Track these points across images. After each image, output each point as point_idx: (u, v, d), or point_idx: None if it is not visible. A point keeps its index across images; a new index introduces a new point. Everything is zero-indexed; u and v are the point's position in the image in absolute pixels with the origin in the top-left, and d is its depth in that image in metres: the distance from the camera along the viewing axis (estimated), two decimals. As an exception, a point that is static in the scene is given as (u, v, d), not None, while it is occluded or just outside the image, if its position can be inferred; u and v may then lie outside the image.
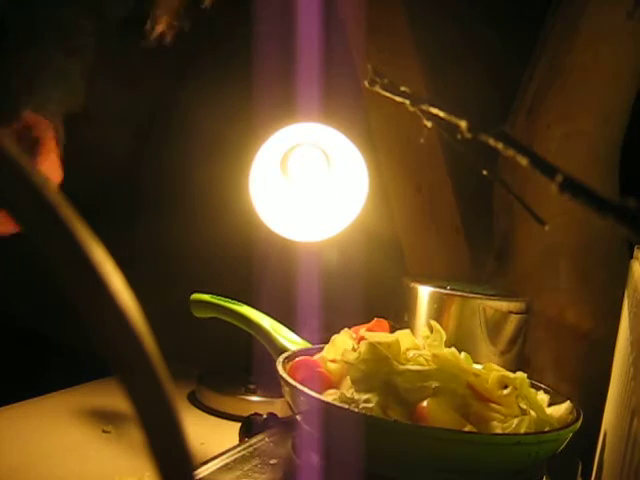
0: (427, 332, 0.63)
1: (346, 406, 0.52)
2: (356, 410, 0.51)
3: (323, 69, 0.82)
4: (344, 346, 0.61)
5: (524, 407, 0.55)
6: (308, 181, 0.88)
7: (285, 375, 0.56)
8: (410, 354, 0.58)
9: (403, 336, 0.60)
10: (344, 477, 0.53)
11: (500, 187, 0.87)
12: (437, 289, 0.73)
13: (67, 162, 1.01)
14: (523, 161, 0.31)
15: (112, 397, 0.86)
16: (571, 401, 0.58)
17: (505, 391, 0.56)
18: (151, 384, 0.21)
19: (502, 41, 0.91)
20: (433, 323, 0.63)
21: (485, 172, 0.42)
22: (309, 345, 0.69)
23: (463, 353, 0.61)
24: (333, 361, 0.60)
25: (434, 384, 0.53)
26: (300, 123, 0.81)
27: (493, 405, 0.54)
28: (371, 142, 0.95)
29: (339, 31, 0.90)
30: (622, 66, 0.82)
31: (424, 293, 0.73)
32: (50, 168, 0.80)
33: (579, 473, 0.65)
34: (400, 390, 0.53)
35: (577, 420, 0.54)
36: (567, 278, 0.83)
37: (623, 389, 0.51)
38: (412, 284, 0.75)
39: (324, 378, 0.58)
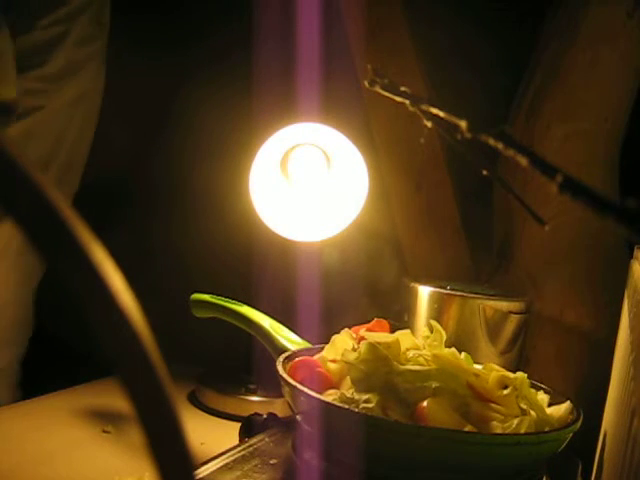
0: (427, 332, 0.63)
1: (346, 406, 0.52)
2: (356, 410, 0.51)
3: (323, 69, 0.82)
4: (344, 346, 0.61)
5: (524, 407, 0.55)
6: (308, 181, 0.88)
7: (285, 375, 0.56)
8: (410, 354, 0.58)
9: (403, 336, 0.60)
10: (344, 477, 0.53)
11: (500, 187, 0.87)
12: (437, 289, 0.73)
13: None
14: (523, 161, 0.31)
15: (112, 397, 0.86)
16: (571, 401, 0.58)
17: (505, 391, 0.56)
18: (151, 384, 0.21)
19: (502, 40, 0.91)
20: (433, 323, 0.63)
21: (485, 172, 0.42)
22: (309, 345, 0.69)
23: (463, 353, 0.61)
24: (333, 361, 0.60)
25: (434, 384, 0.53)
26: (300, 123, 0.81)
27: (493, 405, 0.54)
28: (371, 142, 0.95)
29: (339, 31, 0.90)
30: (622, 66, 0.82)
31: (424, 293, 0.73)
32: None
33: (579, 473, 0.65)
34: (400, 390, 0.53)
35: (577, 420, 0.54)
36: (567, 278, 0.83)
37: (623, 389, 0.51)
38: (412, 284, 0.75)
39: (324, 378, 0.58)
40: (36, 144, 0.92)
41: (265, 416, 0.68)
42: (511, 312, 0.71)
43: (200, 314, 0.75)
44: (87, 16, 0.90)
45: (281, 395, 0.59)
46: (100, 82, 0.97)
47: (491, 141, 0.33)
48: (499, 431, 0.52)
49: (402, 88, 0.42)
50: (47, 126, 0.93)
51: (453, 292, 0.72)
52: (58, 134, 0.95)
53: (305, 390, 0.53)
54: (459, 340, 0.68)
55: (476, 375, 0.56)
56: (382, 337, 0.59)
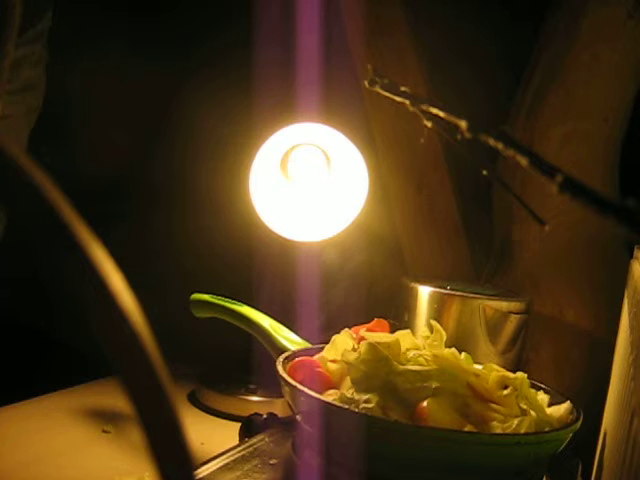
0: (427, 332, 0.63)
1: (346, 406, 0.52)
2: (356, 410, 0.51)
3: (323, 69, 0.82)
4: (344, 346, 0.61)
5: (524, 407, 0.55)
6: (308, 181, 0.88)
7: (285, 375, 0.56)
8: (410, 354, 0.58)
9: (403, 336, 0.60)
10: (344, 477, 0.53)
11: (500, 187, 0.87)
12: (437, 289, 0.73)
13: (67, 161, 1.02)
14: (523, 161, 0.31)
15: (112, 397, 0.86)
16: (571, 401, 0.58)
17: (505, 391, 0.56)
18: (151, 384, 0.21)
19: (502, 39, 0.91)
20: (433, 323, 0.63)
21: (485, 172, 0.42)
22: (309, 345, 0.69)
23: (463, 353, 0.61)
24: (333, 361, 0.60)
25: (434, 384, 0.53)
26: (300, 123, 0.81)
27: (493, 405, 0.54)
28: (371, 142, 0.95)
29: (339, 31, 0.90)
30: (622, 66, 0.82)
31: (424, 293, 0.73)
32: None
33: (579, 473, 0.65)
34: (400, 390, 0.53)
35: (577, 420, 0.54)
36: (567, 278, 0.83)
37: (623, 389, 0.51)
38: (412, 284, 0.75)
39: (324, 378, 0.58)
40: None
41: (265, 416, 0.69)
42: (511, 312, 0.71)
43: (200, 314, 0.75)
44: (42, 41, 0.94)
45: (281, 395, 0.59)
46: (40, 102, 0.99)
47: (491, 141, 0.33)
48: (499, 431, 0.52)
49: (402, 88, 0.42)
50: (12, 135, 0.94)
51: (453, 292, 0.72)
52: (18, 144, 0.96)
53: (305, 390, 0.53)
54: (459, 340, 0.68)
55: (476, 375, 0.56)
56: (382, 337, 0.59)
